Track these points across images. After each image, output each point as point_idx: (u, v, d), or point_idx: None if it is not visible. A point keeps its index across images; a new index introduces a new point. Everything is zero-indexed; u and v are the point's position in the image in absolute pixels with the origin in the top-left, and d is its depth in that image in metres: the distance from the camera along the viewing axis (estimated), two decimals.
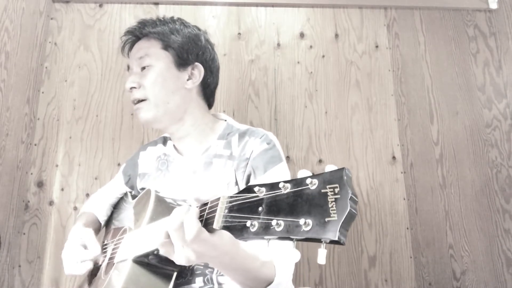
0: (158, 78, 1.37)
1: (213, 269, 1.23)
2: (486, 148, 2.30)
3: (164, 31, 1.41)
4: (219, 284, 1.23)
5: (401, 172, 2.24)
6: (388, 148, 2.26)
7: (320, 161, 2.22)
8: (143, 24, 1.44)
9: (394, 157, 2.25)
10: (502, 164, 2.28)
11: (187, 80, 1.42)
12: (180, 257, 0.84)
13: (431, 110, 2.33)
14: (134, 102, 1.40)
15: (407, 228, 2.17)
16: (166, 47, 1.40)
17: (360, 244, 2.14)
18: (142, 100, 1.38)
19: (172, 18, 1.47)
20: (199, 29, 1.50)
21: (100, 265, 1.34)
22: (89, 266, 1.29)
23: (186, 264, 0.86)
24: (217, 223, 0.73)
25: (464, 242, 2.17)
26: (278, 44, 2.37)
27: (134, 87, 1.38)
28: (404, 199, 2.20)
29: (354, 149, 2.25)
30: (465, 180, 2.25)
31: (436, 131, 2.30)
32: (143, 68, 1.39)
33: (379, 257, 2.13)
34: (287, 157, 2.21)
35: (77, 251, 1.29)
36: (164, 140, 1.59)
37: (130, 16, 2.34)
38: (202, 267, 1.24)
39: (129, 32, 1.47)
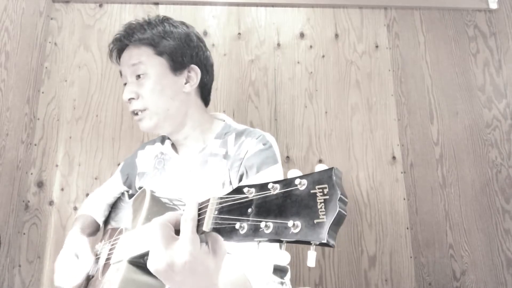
0: (155, 86, 1.34)
1: None
2: (486, 148, 2.29)
3: (154, 36, 1.37)
4: None
5: (401, 172, 2.23)
6: (388, 148, 2.26)
7: (320, 161, 2.22)
8: (131, 30, 1.40)
9: (394, 157, 2.25)
10: (502, 164, 2.27)
11: (185, 84, 1.40)
12: (157, 260, 0.74)
13: (431, 110, 2.33)
14: (134, 113, 1.39)
15: (407, 228, 2.16)
16: (160, 53, 1.37)
17: (360, 244, 2.14)
18: (142, 110, 1.36)
19: (159, 18, 1.43)
20: (187, 27, 1.47)
21: (98, 265, 1.34)
22: (79, 280, 1.30)
23: (158, 269, 0.75)
24: (207, 225, 0.71)
25: (464, 242, 2.17)
26: (278, 44, 2.37)
27: (133, 98, 1.36)
28: (404, 199, 2.20)
29: (354, 149, 2.25)
30: (465, 180, 2.25)
31: (436, 131, 2.30)
32: (138, 76, 1.36)
33: (379, 257, 2.13)
34: (287, 157, 2.21)
35: (69, 264, 1.30)
36: (163, 139, 1.58)
37: (130, 16, 2.34)
38: None
39: (117, 40, 1.43)
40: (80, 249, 1.33)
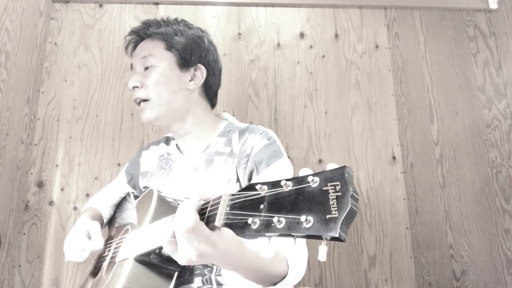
0: (161, 78, 1.38)
1: (212, 269, 1.23)
2: (486, 148, 2.30)
3: (168, 32, 1.43)
4: (219, 284, 1.22)
5: (401, 172, 2.24)
6: (388, 148, 2.26)
7: (320, 161, 2.22)
8: (147, 24, 1.46)
9: (394, 157, 2.25)
10: (502, 164, 2.28)
11: (189, 81, 1.43)
12: (182, 256, 0.84)
13: (431, 110, 2.33)
14: (136, 102, 1.42)
15: (407, 228, 2.17)
16: (170, 47, 1.41)
17: (360, 244, 2.14)
18: (145, 100, 1.39)
19: (176, 19, 1.49)
20: (202, 31, 1.52)
21: (102, 264, 1.34)
22: (88, 254, 1.32)
23: (187, 264, 0.85)
24: (219, 220, 0.73)
25: (464, 242, 2.17)
26: (278, 44, 2.37)
27: (137, 87, 1.39)
28: (404, 199, 2.20)
29: (354, 149, 2.25)
30: (465, 180, 2.25)
31: (436, 131, 2.30)
32: (146, 68, 1.41)
33: (379, 257, 2.13)
34: (287, 157, 2.21)
35: (80, 239, 1.32)
36: (167, 140, 1.61)
37: (130, 16, 2.34)
38: (201, 267, 1.23)
39: (134, 32, 1.49)
40: (92, 230, 1.34)
